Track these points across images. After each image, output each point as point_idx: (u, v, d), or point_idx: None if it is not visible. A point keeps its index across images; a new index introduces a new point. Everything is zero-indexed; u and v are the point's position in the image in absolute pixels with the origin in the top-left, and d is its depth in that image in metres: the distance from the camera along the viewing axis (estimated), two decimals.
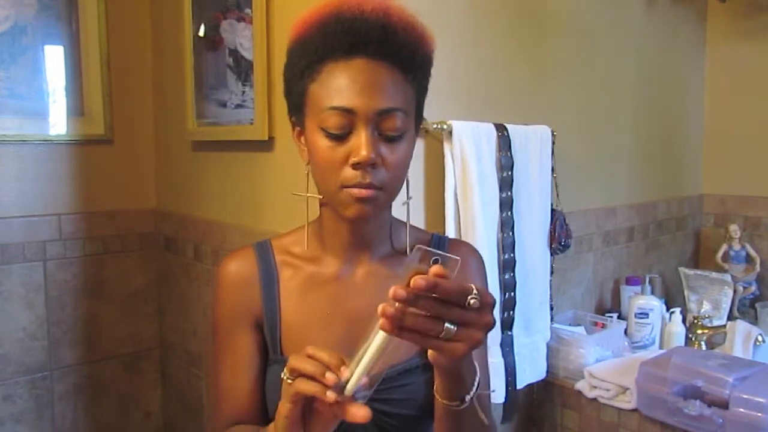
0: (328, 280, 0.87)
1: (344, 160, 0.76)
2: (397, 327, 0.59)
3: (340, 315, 0.85)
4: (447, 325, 0.59)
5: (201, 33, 1.70)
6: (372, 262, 0.88)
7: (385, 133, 0.76)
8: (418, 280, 0.57)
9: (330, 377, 0.63)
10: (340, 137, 0.76)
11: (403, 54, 0.77)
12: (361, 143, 0.74)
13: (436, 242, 0.93)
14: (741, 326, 1.61)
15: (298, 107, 0.82)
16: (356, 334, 0.83)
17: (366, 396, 0.65)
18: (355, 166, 0.75)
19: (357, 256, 0.87)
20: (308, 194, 0.86)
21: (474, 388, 0.71)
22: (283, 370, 0.84)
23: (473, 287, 0.60)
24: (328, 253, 0.88)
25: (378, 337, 0.62)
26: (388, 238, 0.89)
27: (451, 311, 0.59)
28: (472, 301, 0.60)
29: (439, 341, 0.60)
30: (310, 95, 0.78)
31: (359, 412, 0.63)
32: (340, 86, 0.75)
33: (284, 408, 0.68)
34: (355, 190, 0.76)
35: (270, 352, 0.88)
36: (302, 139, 0.83)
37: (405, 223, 0.91)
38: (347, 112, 0.75)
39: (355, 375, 0.63)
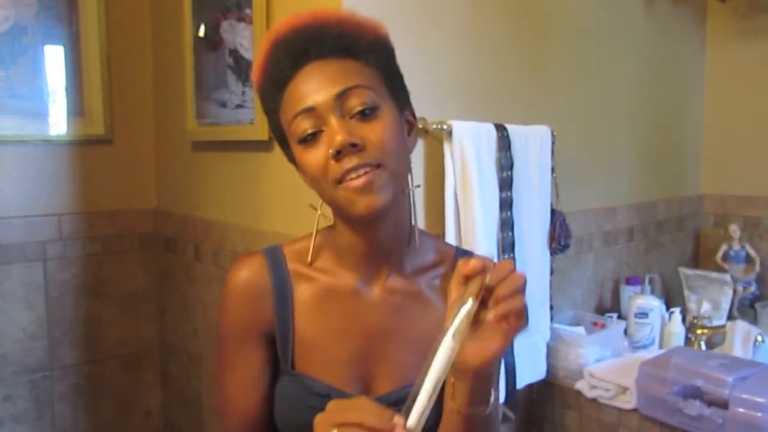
0: (344, 295, 0.83)
1: (327, 157, 0.73)
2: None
3: (356, 332, 0.82)
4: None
5: (201, 33, 1.70)
6: (391, 277, 0.83)
7: (354, 110, 0.73)
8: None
9: (398, 421, 0.57)
10: (314, 137, 0.74)
11: (346, 42, 0.76)
12: (332, 131, 0.72)
13: (460, 257, 0.87)
14: (741, 326, 1.61)
15: (282, 140, 0.81)
16: (372, 352, 0.81)
17: None
18: (337, 156, 0.72)
19: (375, 269, 0.83)
20: (320, 211, 0.84)
21: (497, 388, 0.69)
22: (294, 383, 0.81)
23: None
24: (344, 265, 0.84)
25: (444, 352, 0.59)
26: (409, 253, 0.84)
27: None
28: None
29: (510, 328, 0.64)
30: (282, 120, 0.78)
31: None
32: (299, 95, 0.75)
33: None
34: (352, 182, 0.72)
35: (281, 363, 0.84)
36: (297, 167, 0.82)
37: (430, 236, 0.87)
38: (309, 111, 0.73)
39: (416, 409, 0.58)
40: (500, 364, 0.70)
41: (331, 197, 0.75)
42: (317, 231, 0.86)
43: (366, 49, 0.78)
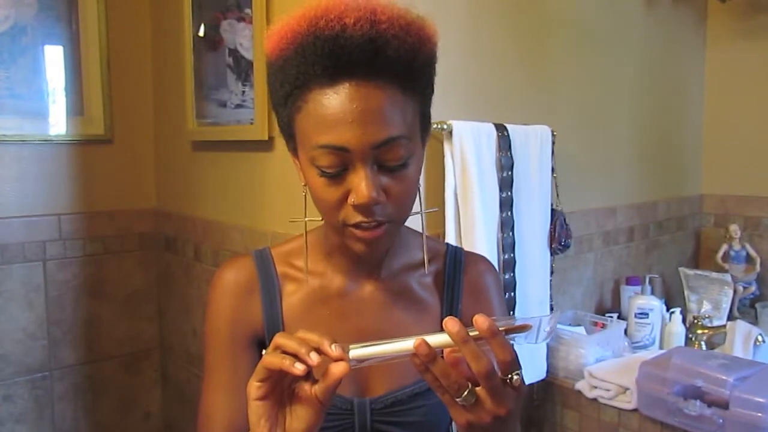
0: (334, 297, 0.81)
1: (343, 199, 0.68)
2: (426, 368, 0.58)
3: (348, 334, 0.79)
4: (466, 393, 0.58)
5: (201, 33, 1.70)
6: (381, 278, 0.82)
7: (388, 164, 0.67)
8: (480, 321, 0.56)
9: (314, 358, 0.57)
10: (335, 175, 0.67)
11: (398, 67, 0.66)
12: (359, 183, 0.66)
13: (452, 254, 0.87)
14: (741, 326, 1.61)
15: (287, 133, 0.74)
16: None
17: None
18: (356, 207, 0.67)
19: (365, 271, 0.81)
20: (306, 218, 0.79)
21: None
22: None
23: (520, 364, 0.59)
24: (332, 267, 0.81)
25: (402, 346, 0.59)
26: (397, 252, 0.83)
27: (490, 380, 0.58)
28: (515, 377, 0.59)
29: (452, 402, 0.59)
30: (298, 127, 0.70)
31: (338, 367, 0.58)
32: (328, 119, 0.65)
33: (252, 387, 0.61)
34: (359, 233, 0.69)
35: None
36: (297, 161, 0.76)
37: (417, 233, 0.84)
38: (340, 150, 0.65)
39: (366, 351, 0.60)
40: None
41: (334, 228, 0.72)
42: (306, 233, 0.83)
43: (416, 76, 0.69)
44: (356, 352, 0.60)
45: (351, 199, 0.67)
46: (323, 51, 0.64)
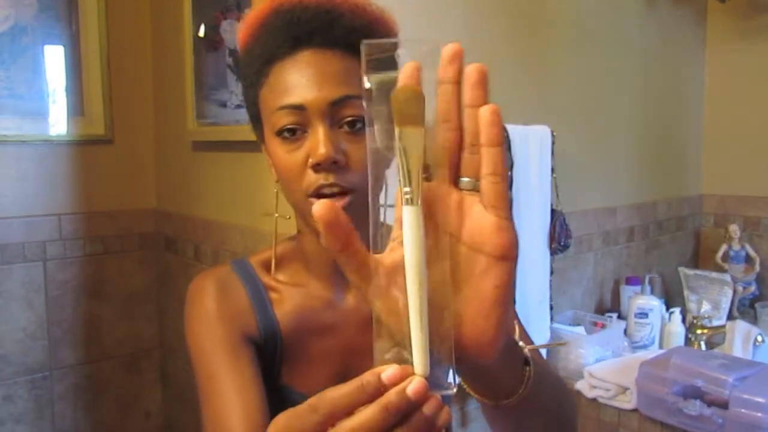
0: (320, 309, 0.78)
1: (304, 164, 0.68)
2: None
3: (336, 347, 0.77)
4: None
5: (201, 33, 1.70)
6: None
7: (345, 119, 0.67)
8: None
9: (417, 387, 0.38)
10: (295, 139, 0.68)
11: (355, 38, 0.67)
12: (317, 141, 0.66)
13: None
14: (741, 326, 1.61)
15: (255, 118, 0.75)
16: (355, 367, 0.76)
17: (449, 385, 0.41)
18: (316, 167, 0.66)
19: (345, 278, 0.78)
20: (276, 214, 0.79)
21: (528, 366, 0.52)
22: (285, 398, 0.74)
23: None
24: (313, 276, 0.78)
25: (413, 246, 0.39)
26: None
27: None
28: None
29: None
30: (262, 102, 0.72)
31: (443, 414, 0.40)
32: (288, 84, 0.68)
33: None
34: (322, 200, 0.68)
35: (268, 377, 0.76)
36: (267, 152, 0.75)
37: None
38: (297, 109, 0.67)
39: (417, 345, 0.39)
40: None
41: (296, 202, 0.71)
42: (281, 240, 0.80)
43: None
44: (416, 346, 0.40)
45: (310, 160, 0.67)
46: (283, 22, 0.69)
